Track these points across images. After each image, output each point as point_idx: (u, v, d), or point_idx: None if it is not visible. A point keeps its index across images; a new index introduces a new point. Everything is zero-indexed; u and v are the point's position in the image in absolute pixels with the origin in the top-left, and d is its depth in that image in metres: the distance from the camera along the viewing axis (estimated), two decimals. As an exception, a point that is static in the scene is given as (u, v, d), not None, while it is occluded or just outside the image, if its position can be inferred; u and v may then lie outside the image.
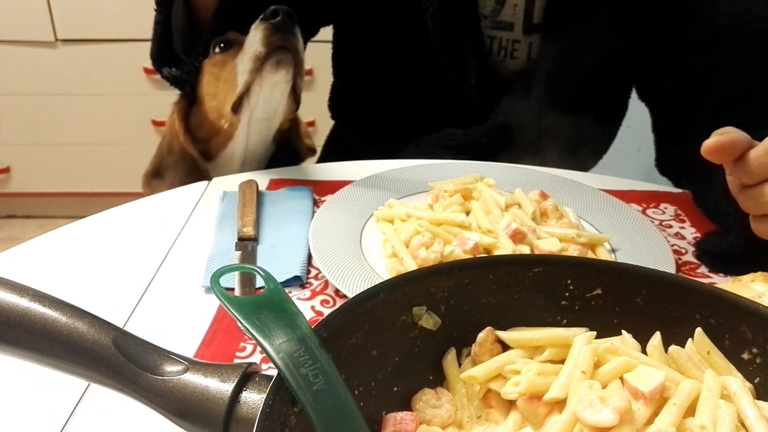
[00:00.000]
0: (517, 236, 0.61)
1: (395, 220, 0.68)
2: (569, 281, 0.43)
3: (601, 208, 0.74)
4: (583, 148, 1.04)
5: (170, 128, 0.87)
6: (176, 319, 0.58)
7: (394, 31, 0.97)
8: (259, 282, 0.61)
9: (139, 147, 2.39)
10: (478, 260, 0.50)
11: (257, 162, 0.89)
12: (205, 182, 0.82)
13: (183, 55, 0.87)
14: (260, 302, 0.36)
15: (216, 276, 0.38)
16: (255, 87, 0.78)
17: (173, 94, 2.45)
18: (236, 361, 0.52)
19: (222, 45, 0.82)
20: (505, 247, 0.60)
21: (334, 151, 1.18)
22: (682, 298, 0.40)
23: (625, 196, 0.79)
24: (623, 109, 1.04)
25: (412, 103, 1.02)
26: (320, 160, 1.20)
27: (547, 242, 0.61)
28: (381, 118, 1.06)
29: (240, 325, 0.35)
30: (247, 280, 0.60)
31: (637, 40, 0.91)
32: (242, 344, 0.54)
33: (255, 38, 0.76)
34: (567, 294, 0.43)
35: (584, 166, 1.07)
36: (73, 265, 0.66)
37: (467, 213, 0.67)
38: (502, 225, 0.63)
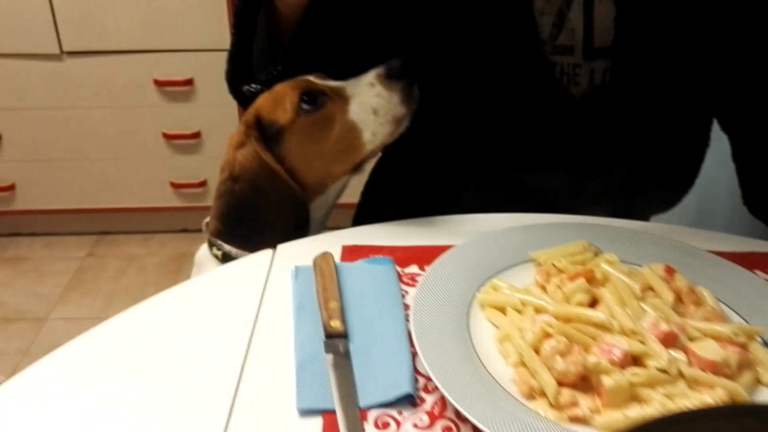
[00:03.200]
0: (669, 339, 0.52)
1: (508, 309, 0.58)
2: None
3: (723, 279, 0.64)
4: (659, 189, 0.95)
5: (249, 168, 0.75)
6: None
7: (457, 62, 0.87)
8: (361, 395, 0.52)
9: (150, 161, 2.30)
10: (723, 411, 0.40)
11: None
12: (269, 251, 0.72)
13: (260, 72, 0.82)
14: None
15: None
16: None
17: (184, 106, 2.35)
18: None
19: (305, 99, 0.73)
20: (659, 356, 0.50)
21: (377, 195, 1.08)
22: None
23: (742, 259, 0.68)
24: (705, 143, 0.94)
25: (472, 140, 0.92)
26: (362, 204, 1.10)
27: (706, 348, 0.51)
28: (439, 155, 0.97)
29: None
30: (349, 398, 0.51)
31: (721, 69, 0.82)
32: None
33: (392, 100, 0.74)
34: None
35: (659, 208, 0.98)
36: (133, 378, 0.56)
37: (593, 300, 0.58)
38: (647, 324, 0.53)
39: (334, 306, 0.61)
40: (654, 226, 0.75)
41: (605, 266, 0.60)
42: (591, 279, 0.59)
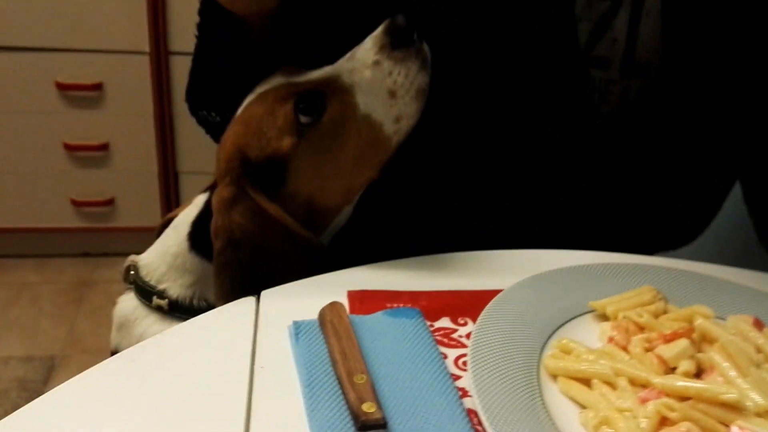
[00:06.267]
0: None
1: (595, 382, 0.45)
2: None
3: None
4: (679, 222, 0.87)
5: (251, 229, 0.59)
6: None
7: (484, 64, 0.75)
8: None
9: (48, 175, 2.03)
10: None
11: None
12: (251, 299, 0.55)
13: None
14: None
15: None
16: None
17: (90, 113, 2.12)
18: None
19: (300, 108, 0.57)
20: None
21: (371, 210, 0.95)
22: None
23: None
24: (734, 174, 0.87)
25: (488, 157, 0.80)
26: (355, 218, 0.96)
27: None
28: (451, 174, 0.84)
29: None
30: None
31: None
32: None
33: (411, 72, 0.59)
34: None
35: (675, 243, 0.90)
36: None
37: (699, 368, 0.45)
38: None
39: (363, 381, 0.45)
40: (712, 267, 0.65)
41: (704, 323, 0.48)
42: (690, 338, 0.47)
